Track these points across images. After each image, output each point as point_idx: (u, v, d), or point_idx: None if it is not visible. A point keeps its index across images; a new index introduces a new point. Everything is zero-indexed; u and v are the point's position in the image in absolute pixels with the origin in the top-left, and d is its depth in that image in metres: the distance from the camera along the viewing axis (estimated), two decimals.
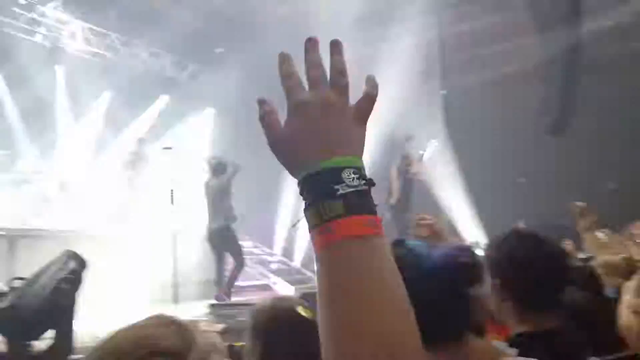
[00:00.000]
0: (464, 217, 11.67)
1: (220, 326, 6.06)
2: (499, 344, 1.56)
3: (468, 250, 1.26)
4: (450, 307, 1.25)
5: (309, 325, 1.63)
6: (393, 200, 8.59)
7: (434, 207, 11.47)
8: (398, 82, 11.69)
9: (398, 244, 1.29)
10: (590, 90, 11.64)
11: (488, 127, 13.24)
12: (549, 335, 1.44)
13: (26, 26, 10.08)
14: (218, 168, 7.85)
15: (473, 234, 10.75)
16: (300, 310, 1.69)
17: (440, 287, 1.21)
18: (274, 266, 12.82)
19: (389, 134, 12.23)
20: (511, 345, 1.45)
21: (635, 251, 3.89)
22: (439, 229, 2.18)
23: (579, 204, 3.36)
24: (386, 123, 12.31)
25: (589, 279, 2.33)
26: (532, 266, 1.49)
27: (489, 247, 1.50)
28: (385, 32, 12.31)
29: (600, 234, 3.55)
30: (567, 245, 3.57)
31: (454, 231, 11.29)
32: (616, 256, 3.63)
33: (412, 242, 1.29)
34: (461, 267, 1.22)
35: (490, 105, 13.66)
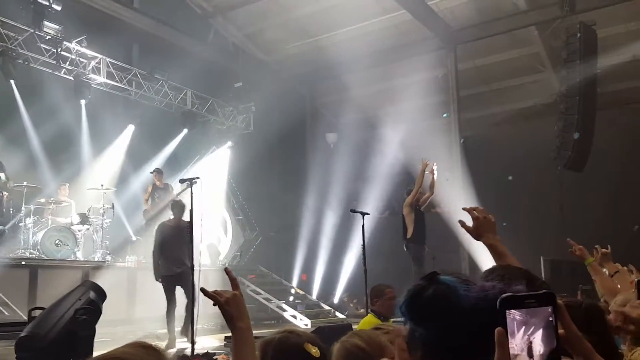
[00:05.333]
0: (484, 253, 11.48)
1: None
2: None
3: (500, 291, 1.17)
4: (483, 349, 1.14)
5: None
6: (409, 234, 8.64)
7: (455, 241, 11.37)
8: (414, 115, 11.74)
9: (433, 279, 1.16)
10: (606, 124, 11.56)
11: (504, 160, 13.20)
12: None
13: (52, 61, 10.36)
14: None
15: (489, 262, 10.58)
16: (307, 347, 1.69)
17: (477, 327, 1.13)
18: (291, 299, 12.74)
19: (405, 166, 12.26)
20: None
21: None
22: (487, 223, 2.10)
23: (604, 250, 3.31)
24: (404, 155, 12.36)
25: (595, 319, 2.11)
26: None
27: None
28: (401, 66, 12.45)
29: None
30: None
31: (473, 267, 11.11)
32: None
33: (446, 278, 1.21)
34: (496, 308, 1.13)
35: (506, 139, 13.65)
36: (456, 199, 11.03)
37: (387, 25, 12.35)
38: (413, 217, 8.60)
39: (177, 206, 7.82)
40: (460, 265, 11.67)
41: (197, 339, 7.29)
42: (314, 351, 1.69)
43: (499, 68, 13.67)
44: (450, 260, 11.28)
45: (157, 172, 11.06)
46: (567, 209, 12.49)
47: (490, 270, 1.68)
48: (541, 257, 9.70)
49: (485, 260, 11.16)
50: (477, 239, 2.16)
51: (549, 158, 11.59)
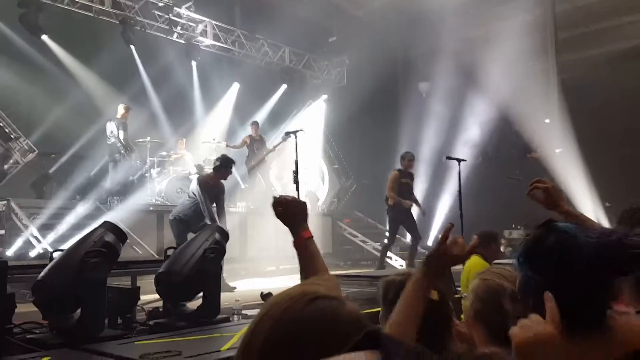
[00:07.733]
0: (582, 194, 10.67)
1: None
2: None
3: (623, 236, 1.08)
4: (602, 293, 1.10)
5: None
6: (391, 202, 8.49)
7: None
8: (510, 60, 11.00)
9: (550, 227, 1.12)
10: None
11: (604, 102, 12.13)
12: None
13: (165, 26, 10.71)
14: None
15: (591, 212, 9.84)
16: None
17: (597, 273, 1.06)
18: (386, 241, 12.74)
19: (502, 110, 11.62)
20: None
21: None
22: (556, 192, 2.00)
23: None
24: (500, 100, 11.70)
25: None
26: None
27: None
28: (496, 10, 11.61)
29: None
30: None
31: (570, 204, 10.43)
32: None
33: (564, 225, 1.14)
34: (620, 253, 1.06)
35: (605, 80, 12.50)
36: (554, 143, 10.35)
37: None
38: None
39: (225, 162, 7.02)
40: None
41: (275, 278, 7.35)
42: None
43: (598, 9, 12.39)
44: None
45: (255, 124, 11.28)
46: None
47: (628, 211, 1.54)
48: None
49: (584, 204, 10.49)
50: (550, 209, 2.02)
51: None
